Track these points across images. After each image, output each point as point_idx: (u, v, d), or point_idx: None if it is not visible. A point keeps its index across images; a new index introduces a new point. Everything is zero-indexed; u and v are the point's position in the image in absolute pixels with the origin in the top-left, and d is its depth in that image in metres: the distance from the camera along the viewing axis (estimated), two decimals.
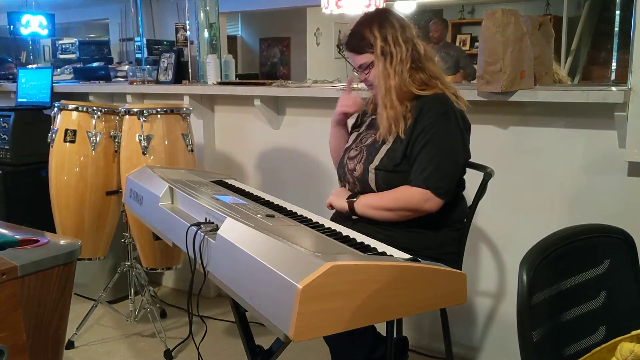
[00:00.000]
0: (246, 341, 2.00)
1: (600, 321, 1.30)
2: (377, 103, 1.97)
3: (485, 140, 2.62)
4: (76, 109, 2.93)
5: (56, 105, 2.98)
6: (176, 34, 3.90)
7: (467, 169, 2.17)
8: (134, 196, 2.28)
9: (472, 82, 5.19)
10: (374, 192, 1.96)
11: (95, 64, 4.95)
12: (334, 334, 1.89)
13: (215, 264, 1.57)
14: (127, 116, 2.87)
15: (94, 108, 2.92)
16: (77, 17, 8.20)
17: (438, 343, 2.73)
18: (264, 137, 3.37)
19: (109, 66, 4.71)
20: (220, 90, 3.39)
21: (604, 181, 2.38)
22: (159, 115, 2.84)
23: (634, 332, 1.00)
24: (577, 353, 1.24)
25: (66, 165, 2.90)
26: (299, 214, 1.93)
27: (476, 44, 8.48)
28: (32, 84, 3.92)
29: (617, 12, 2.49)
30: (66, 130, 2.90)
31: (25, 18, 5.22)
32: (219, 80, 3.47)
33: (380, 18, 1.96)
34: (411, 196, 1.87)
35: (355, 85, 2.22)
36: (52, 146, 2.95)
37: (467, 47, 8.73)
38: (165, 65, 3.62)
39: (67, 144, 2.90)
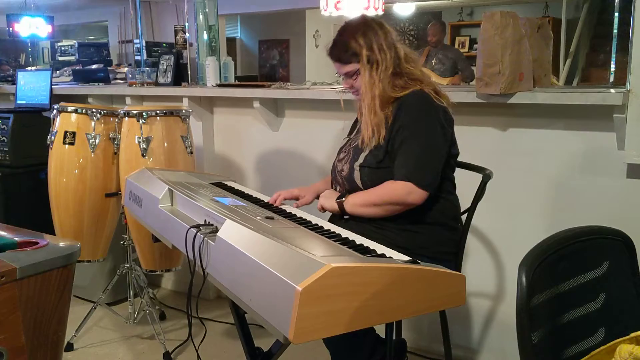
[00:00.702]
0: (246, 343, 2.00)
1: (600, 323, 1.30)
2: (363, 110, 2.00)
3: (484, 142, 2.62)
4: (75, 111, 2.92)
5: (55, 107, 2.98)
6: (175, 36, 3.90)
7: (466, 171, 2.18)
8: (134, 198, 2.28)
9: (470, 84, 5.21)
10: (361, 189, 2.00)
11: (94, 66, 4.96)
12: (335, 339, 1.93)
13: (215, 266, 1.57)
14: (126, 118, 2.87)
15: (93, 110, 2.92)
16: (76, 19, 8.20)
17: (437, 345, 2.73)
18: (263, 139, 3.37)
19: (108, 68, 4.71)
20: (219, 92, 3.39)
21: (603, 183, 2.38)
22: (158, 118, 2.84)
23: (633, 334, 1.00)
24: (577, 355, 1.24)
25: (65, 168, 2.90)
26: (298, 216, 1.93)
27: (475, 46, 8.49)
28: (31, 86, 3.92)
29: (616, 14, 2.48)
30: (65, 132, 2.90)
31: (24, 20, 5.22)
32: (218, 82, 3.47)
33: (364, 26, 1.99)
34: (395, 190, 1.91)
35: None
36: (51, 148, 2.95)
37: (466, 49, 8.74)
38: (165, 67, 3.62)
39: (67, 146, 2.90)
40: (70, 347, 2.96)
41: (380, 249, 1.58)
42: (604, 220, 1.50)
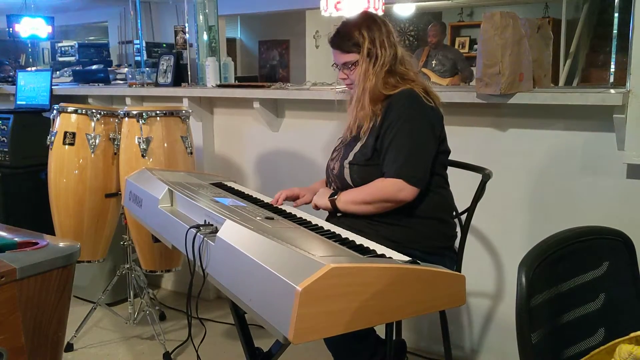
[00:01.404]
0: (245, 343, 2.00)
1: (600, 323, 1.30)
2: (353, 101, 2.05)
3: (484, 142, 2.62)
4: (75, 112, 2.93)
5: (55, 107, 2.98)
6: (175, 36, 3.90)
7: (466, 171, 2.18)
8: (134, 198, 2.28)
9: (470, 84, 5.21)
10: (351, 186, 2.02)
11: (94, 67, 4.96)
12: (336, 341, 1.93)
13: (215, 266, 1.57)
14: (126, 119, 2.87)
15: (93, 110, 2.92)
16: (76, 19, 8.20)
17: (437, 345, 2.73)
18: (263, 140, 3.37)
19: (108, 69, 4.72)
20: (219, 92, 3.39)
21: (603, 183, 2.38)
22: (158, 118, 2.84)
23: (632, 334, 1.00)
24: (576, 355, 1.24)
25: (65, 168, 2.90)
26: (298, 216, 1.93)
27: (475, 46, 8.49)
28: (31, 87, 3.92)
29: (616, 14, 2.49)
30: (65, 132, 2.90)
31: (24, 21, 5.22)
32: (218, 82, 3.47)
33: (369, 20, 2.02)
34: (385, 187, 1.93)
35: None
36: (51, 149, 2.95)
37: (466, 50, 8.74)
38: (165, 67, 3.62)
39: (67, 146, 2.90)
40: (70, 348, 2.95)
41: (379, 249, 1.58)
42: (604, 221, 1.50)
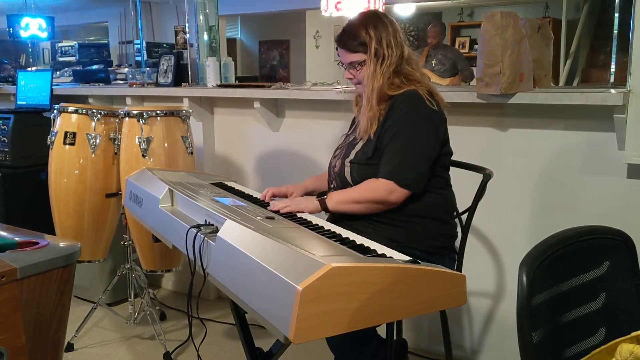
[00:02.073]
0: (246, 343, 2.00)
1: (600, 322, 1.30)
2: (363, 102, 2.03)
3: (485, 142, 2.62)
4: (76, 112, 2.93)
5: (56, 107, 2.98)
6: (176, 36, 3.89)
7: (467, 171, 2.18)
8: (134, 198, 2.28)
9: (470, 84, 5.21)
10: (351, 185, 2.02)
11: (94, 67, 4.96)
12: (339, 341, 1.93)
13: (215, 266, 1.57)
14: (126, 119, 2.87)
15: (94, 110, 2.92)
16: (76, 19, 8.21)
17: (438, 345, 2.73)
18: (263, 140, 3.37)
19: (109, 69, 4.72)
20: (219, 92, 3.39)
21: (604, 183, 2.38)
22: (158, 118, 2.84)
23: (633, 333, 1.00)
24: (577, 354, 1.24)
25: (66, 168, 2.90)
26: (298, 215, 1.93)
27: (475, 46, 8.49)
28: (31, 87, 3.92)
29: (616, 14, 2.48)
30: (66, 132, 2.90)
31: (24, 21, 5.22)
32: (219, 82, 3.47)
33: (376, 20, 2.01)
34: (377, 188, 1.93)
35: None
36: (51, 149, 2.95)
37: (466, 50, 8.74)
38: (165, 67, 3.62)
39: (67, 146, 2.90)
40: (70, 348, 2.95)
41: (380, 248, 1.58)
42: (605, 220, 1.50)
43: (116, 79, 4.38)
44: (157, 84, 3.67)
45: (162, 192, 2.03)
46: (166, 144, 2.85)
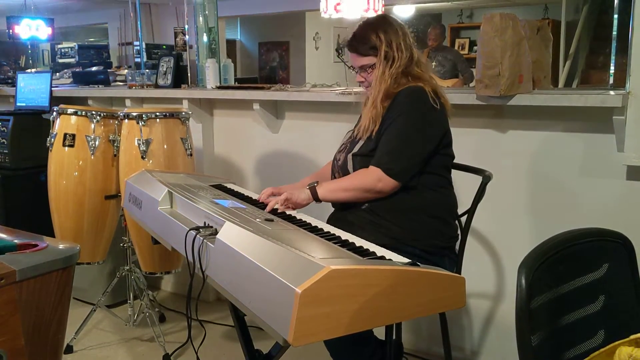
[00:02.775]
0: (245, 345, 2.00)
1: (599, 325, 1.30)
2: (368, 101, 2.07)
3: (484, 144, 2.62)
4: (75, 113, 2.93)
5: (55, 109, 2.98)
6: (175, 38, 3.90)
7: (466, 172, 2.18)
8: (133, 200, 2.28)
9: (470, 85, 5.21)
10: None
11: (94, 68, 4.96)
12: (337, 343, 1.93)
13: (215, 268, 1.57)
14: (126, 120, 2.87)
15: (93, 112, 2.92)
16: (76, 21, 8.21)
17: (437, 347, 2.73)
18: (263, 141, 3.37)
19: (108, 70, 4.71)
20: (219, 94, 3.39)
21: (603, 185, 2.38)
22: (158, 120, 2.84)
23: (632, 336, 1.00)
24: (576, 357, 1.24)
25: (65, 170, 2.90)
26: (297, 218, 1.93)
27: (475, 48, 8.49)
28: (31, 88, 3.92)
29: (615, 16, 2.48)
30: (65, 134, 2.90)
31: (24, 22, 5.22)
32: (218, 84, 3.47)
33: (386, 24, 2.05)
34: (365, 176, 1.96)
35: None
36: (51, 150, 2.95)
37: (465, 51, 8.75)
38: (164, 69, 3.62)
39: (66, 148, 2.90)
40: (69, 350, 2.95)
41: (379, 251, 1.58)
42: (604, 222, 1.50)
43: (116, 81, 4.38)
44: (156, 86, 3.67)
45: (161, 194, 2.03)
46: (165, 146, 2.85)
